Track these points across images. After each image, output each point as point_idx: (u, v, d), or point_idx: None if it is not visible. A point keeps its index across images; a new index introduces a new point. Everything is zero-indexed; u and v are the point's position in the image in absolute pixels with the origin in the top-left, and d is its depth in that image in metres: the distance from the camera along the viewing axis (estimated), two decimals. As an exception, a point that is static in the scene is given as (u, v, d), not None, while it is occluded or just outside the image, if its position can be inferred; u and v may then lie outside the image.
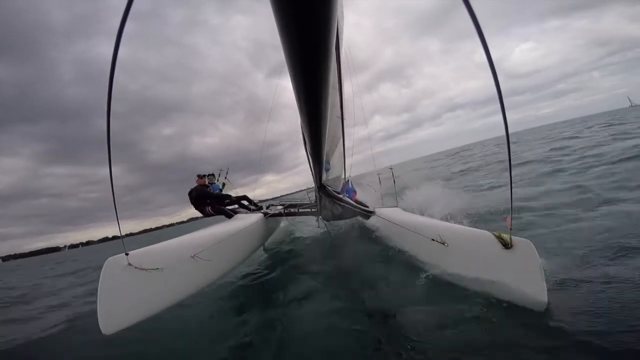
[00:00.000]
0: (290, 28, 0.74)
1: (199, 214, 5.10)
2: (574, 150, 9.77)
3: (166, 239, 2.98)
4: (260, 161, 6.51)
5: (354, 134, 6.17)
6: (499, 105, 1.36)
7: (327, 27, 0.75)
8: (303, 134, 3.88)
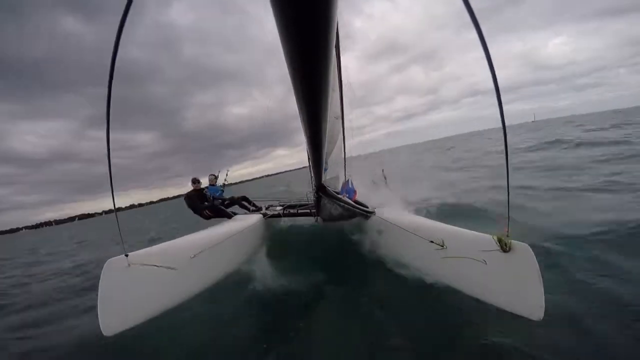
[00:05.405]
0: (290, 28, 0.74)
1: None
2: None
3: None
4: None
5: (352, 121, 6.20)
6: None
7: (327, 26, 0.76)
8: (304, 134, 3.84)
